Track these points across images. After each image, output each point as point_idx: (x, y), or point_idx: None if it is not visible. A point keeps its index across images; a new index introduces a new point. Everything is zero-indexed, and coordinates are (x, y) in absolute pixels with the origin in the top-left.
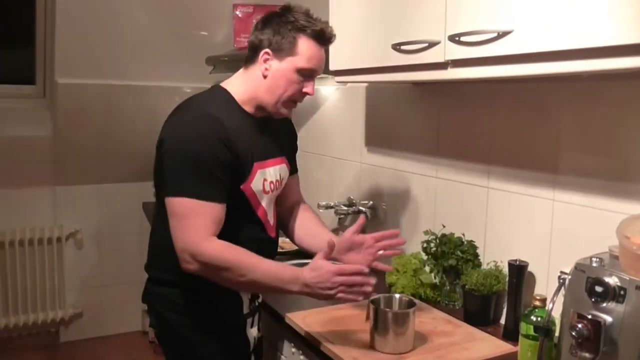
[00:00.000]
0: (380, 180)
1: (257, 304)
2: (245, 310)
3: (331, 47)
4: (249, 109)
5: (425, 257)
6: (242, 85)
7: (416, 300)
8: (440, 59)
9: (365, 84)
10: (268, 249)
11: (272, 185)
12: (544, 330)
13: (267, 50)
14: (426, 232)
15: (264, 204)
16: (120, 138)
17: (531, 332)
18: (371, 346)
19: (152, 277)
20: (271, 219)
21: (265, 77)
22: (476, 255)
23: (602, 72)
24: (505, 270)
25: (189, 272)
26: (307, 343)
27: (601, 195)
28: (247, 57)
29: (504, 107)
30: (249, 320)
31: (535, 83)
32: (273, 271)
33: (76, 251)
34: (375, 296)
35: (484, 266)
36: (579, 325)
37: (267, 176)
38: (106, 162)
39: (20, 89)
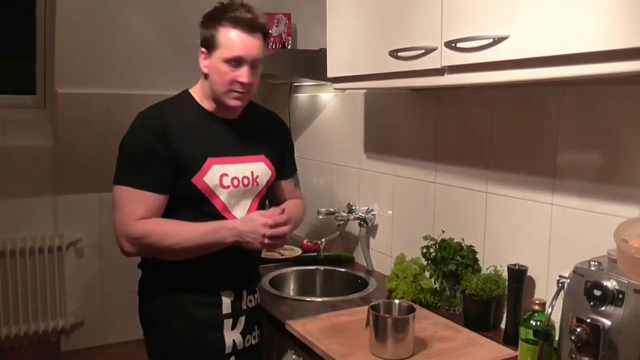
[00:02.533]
0: (379, 186)
1: (243, 307)
2: (225, 310)
3: (329, 55)
4: (209, 107)
5: (425, 262)
6: (200, 86)
7: (416, 306)
8: (437, 65)
9: (364, 91)
10: (239, 249)
11: (235, 181)
12: (544, 334)
13: (202, 49)
14: (425, 238)
15: (222, 198)
16: None
17: (531, 336)
18: (371, 352)
19: (143, 274)
20: (239, 214)
21: (205, 75)
22: (476, 260)
23: (597, 76)
24: (505, 274)
25: (128, 255)
26: (308, 350)
27: (599, 199)
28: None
29: (501, 112)
30: (228, 322)
31: (532, 88)
32: (202, 227)
33: (77, 260)
34: (375, 302)
35: (484, 271)
36: (578, 329)
37: (227, 172)
38: (107, 171)
39: (20, 99)
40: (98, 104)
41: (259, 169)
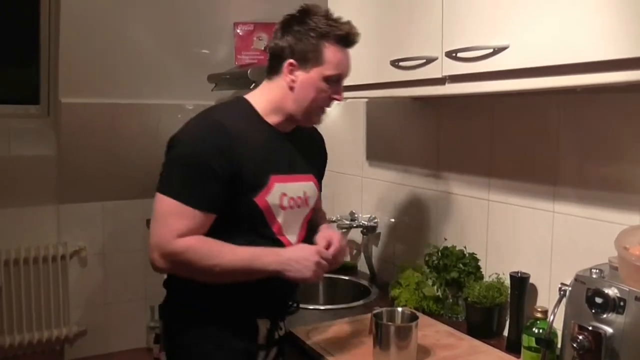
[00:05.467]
0: (381, 194)
1: (277, 336)
2: (261, 340)
3: None
4: (272, 120)
5: (427, 270)
6: (266, 97)
7: (419, 314)
8: (438, 75)
9: (365, 99)
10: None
11: (291, 202)
12: (546, 342)
13: (291, 60)
14: (428, 245)
15: (280, 219)
16: (124, 156)
17: (533, 344)
18: None
19: (168, 294)
20: (292, 238)
21: (291, 88)
22: (478, 268)
23: (596, 86)
24: (507, 282)
25: (158, 271)
26: (311, 357)
27: (600, 206)
28: (269, 66)
29: (502, 121)
30: (262, 354)
31: (532, 96)
32: (246, 250)
33: (80, 269)
34: (377, 310)
35: (486, 278)
36: (580, 337)
37: (287, 191)
38: (110, 180)
39: (24, 108)
40: (101, 113)
41: (309, 189)
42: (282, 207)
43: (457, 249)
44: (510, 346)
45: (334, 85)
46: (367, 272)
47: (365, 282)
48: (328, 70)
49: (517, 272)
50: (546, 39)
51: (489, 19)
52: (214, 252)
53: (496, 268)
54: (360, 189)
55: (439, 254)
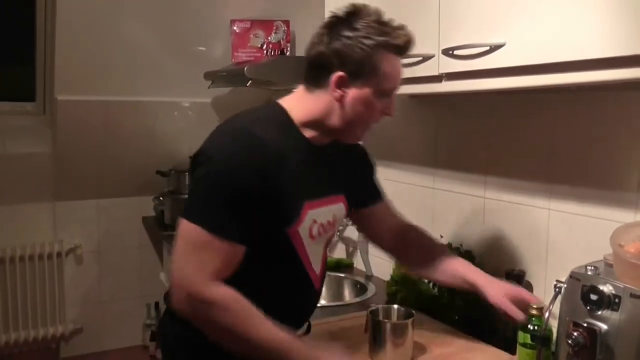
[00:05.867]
0: None
1: None
2: None
3: None
4: (309, 134)
5: None
6: (306, 108)
7: (415, 311)
8: (435, 72)
9: None
10: (310, 303)
11: (320, 229)
12: (541, 339)
13: (342, 73)
14: None
15: (309, 250)
16: (120, 153)
17: (528, 341)
18: (370, 357)
19: (171, 310)
20: (317, 269)
21: (339, 102)
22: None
23: (592, 84)
24: (503, 279)
25: (177, 311)
26: None
27: (596, 204)
28: (312, 74)
29: (499, 118)
30: None
31: (529, 94)
32: (286, 336)
33: (76, 266)
34: (373, 307)
35: None
36: (575, 334)
37: (317, 217)
38: (106, 177)
39: (20, 106)
40: (97, 110)
41: (338, 211)
42: (312, 237)
43: (453, 246)
44: (506, 343)
45: (386, 98)
46: (364, 269)
47: (361, 280)
48: (384, 84)
49: (513, 270)
50: (542, 36)
51: (485, 17)
52: (251, 323)
53: (492, 265)
54: None
55: None
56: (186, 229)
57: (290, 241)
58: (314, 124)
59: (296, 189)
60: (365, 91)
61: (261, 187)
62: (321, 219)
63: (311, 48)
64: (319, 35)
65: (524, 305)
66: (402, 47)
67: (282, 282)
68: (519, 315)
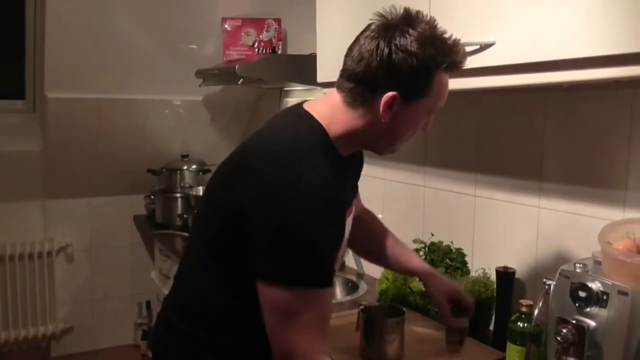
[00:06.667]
0: (369, 189)
1: None
2: None
3: (319, 59)
4: (342, 148)
5: None
6: (342, 122)
7: (406, 309)
8: None
9: None
10: None
11: (344, 245)
12: (531, 336)
13: (394, 94)
14: (415, 241)
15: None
16: (111, 151)
17: (518, 337)
18: (361, 355)
19: (167, 318)
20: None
21: (384, 121)
22: (464, 263)
23: (581, 82)
24: (493, 277)
25: None
26: None
27: (584, 202)
28: (356, 91)
29: (489, 117)
30: None
31: (519, 93)
32: None
33: (67, 265)
34: (365, 305)
35: (473, 274)
36: (564, 331)
37: (346, 232)
38: (97, 176)
39: (10, 103)
40: (88, 108)
41: (350, 222)
42: (341, 255)
43: (444, 244)
44: (496, 340)
45: (429, 115)
46: (355, 267)
47: (353, 278)
48: (434, 103)
49: (503, 267)
50: (532, 35)
51: (475, 16)
52: None
53: (482, 263)
54: None
55: (426, 249)
56: (278, 295)
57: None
58: (352, 142)
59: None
60: (415, 110)
61: (343, 232)
62: (347, 231)
63: (359, 60)
64: (367, 44)
65: (458, 305)
66: (457, 64)
67: None
68: (447, 319)
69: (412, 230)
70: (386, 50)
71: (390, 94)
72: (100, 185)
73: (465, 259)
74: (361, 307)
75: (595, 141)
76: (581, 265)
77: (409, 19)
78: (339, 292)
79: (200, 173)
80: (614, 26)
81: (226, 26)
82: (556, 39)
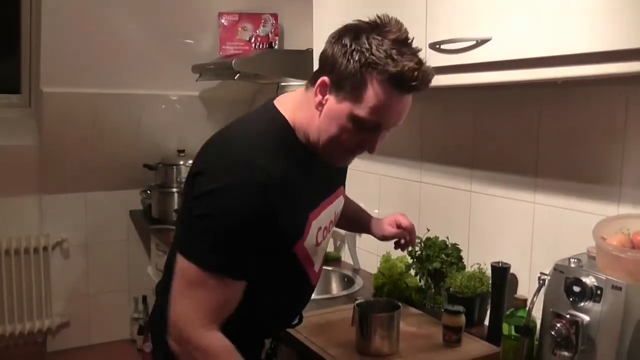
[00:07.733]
0: (366, 185)
1: (270, 349)
2: (263, 355)
3: (315, 55)
4: (308, 145)
5: (410, 260)
6: (299, 110)
7: (401, 304)
8: None
9: None
10: (306, 298)
11: (324, 233)
12: (525, 330)
13: (326, 78)
14: None
15: (314, 257)
16: (107, 146)
17: (513, 332)
18: (357, 349)
19: (162, 307)
20: (317, 268)
21: (317, 109)
22: (460, 258)
23: (576, 78)
24: (489, 272)
25: (172, 348)
26: (295, 347)
27: (579, 197)
28: (314, 73)
29: (485, 112)
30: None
31: (514, 89)
32: None
33: (63, 260)
34: (360, 300)
35: (468, 269)
36: (558, 325)
37: (321, 223)
38: (92, 171)
39: (5, 98)
40: (83, 103)
41: (339, 205)
42: (317, 244)
43: (439, 239)
44: (491, 335)
45: (367, 133)
46: (351, 262)
47: (349, 273)
48: (361, 110)
49: (498, 262)
50: (528, 31)
51: (472, 11)
52: None
53: (478, 258)
54: None
55: (422, 244)
56: (185, 267)
57: (296, 256)
58: (303, 130)
59: (299, 209)
60: (340, 108)
61: (263, 224)
62: (324, 223)
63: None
64: (331, 34)
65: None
66: (397, 76)
67: (283, 286)
68: (402, 235)
69: None
70: (338, 39)
71: (324, 78)
72: (96, 180)
73: (461, 254)
74: (357, 302)
75: (590, 137)
76: (575, 260)
77: (379, 23)
78: (335, 287)
79: None
80: (608, 23)
81: (223, 21)
82: (553, 34)
